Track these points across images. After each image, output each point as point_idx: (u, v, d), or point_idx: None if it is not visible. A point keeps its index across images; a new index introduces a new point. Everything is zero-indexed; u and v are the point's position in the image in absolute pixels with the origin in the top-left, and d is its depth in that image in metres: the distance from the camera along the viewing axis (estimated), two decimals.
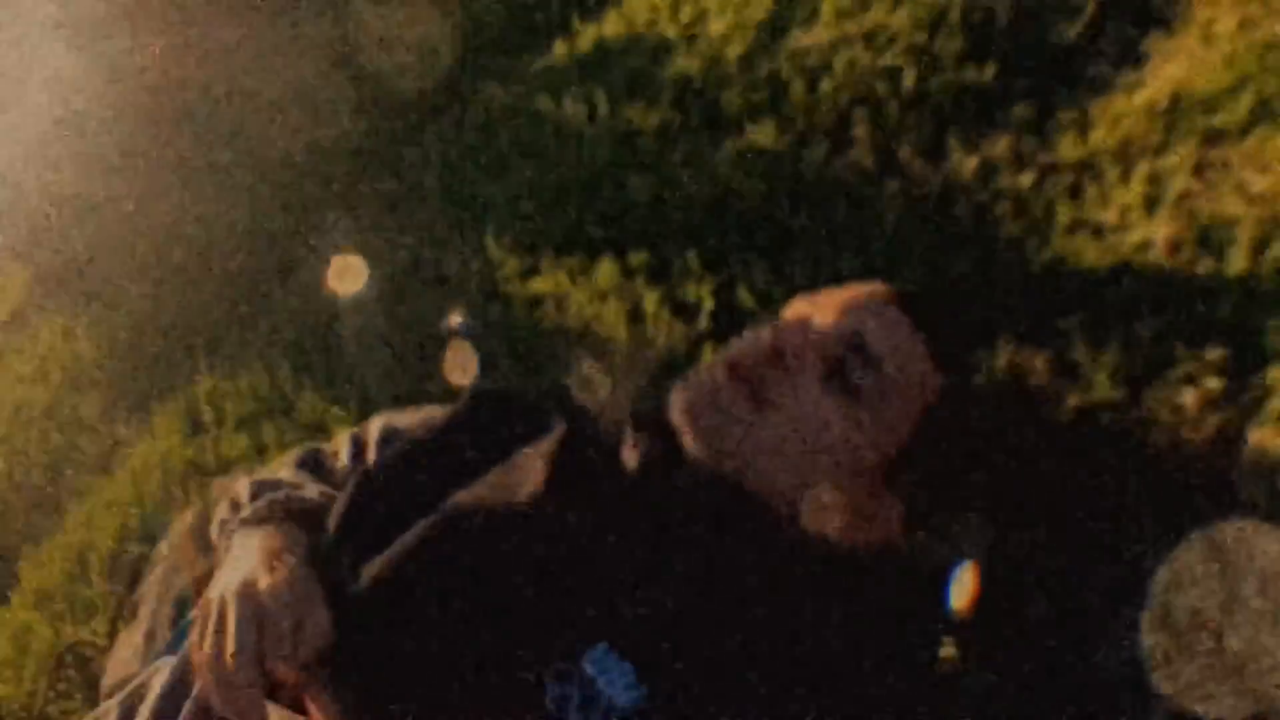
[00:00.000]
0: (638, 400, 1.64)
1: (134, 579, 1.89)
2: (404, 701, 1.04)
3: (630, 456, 1.19)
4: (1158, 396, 1.33)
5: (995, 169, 1.71)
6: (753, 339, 1.20)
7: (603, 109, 2.37)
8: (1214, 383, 1.30)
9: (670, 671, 1.04)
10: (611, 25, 2.67)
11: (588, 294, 1.95)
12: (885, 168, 1.83)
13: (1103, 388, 1.36)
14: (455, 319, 1.94)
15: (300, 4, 3.60)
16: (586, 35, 2.71)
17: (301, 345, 2.46)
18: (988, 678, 1.18)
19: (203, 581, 1.32)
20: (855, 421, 1.15)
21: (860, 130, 1.89)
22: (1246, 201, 1.48)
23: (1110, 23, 1.86)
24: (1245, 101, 1.57)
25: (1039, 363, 1.41)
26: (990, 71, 1.84)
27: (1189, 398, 1.30)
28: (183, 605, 1.35)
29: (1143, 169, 1.58)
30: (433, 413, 1.43)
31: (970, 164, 1.73)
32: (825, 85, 1.99)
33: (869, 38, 2.02)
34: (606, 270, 1.95)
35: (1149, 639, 1.15)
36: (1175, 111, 1.63)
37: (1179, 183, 1.54)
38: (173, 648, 1.29)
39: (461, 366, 1.70)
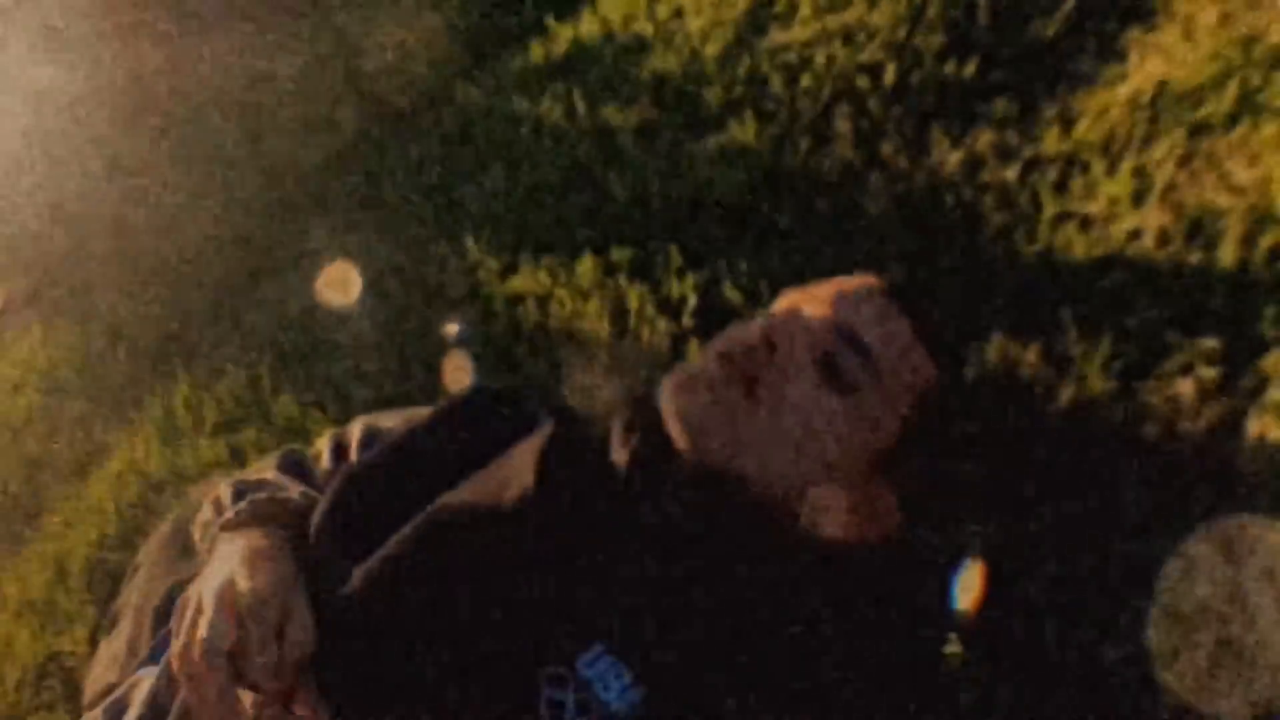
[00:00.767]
0: (625, 397, 1.59)
1: (114, 587, 1.83)
2: (394, 707, 1.00)
3: (620, 453, 1.14)
4: (1154, 387, 1.29)
5: (980, 163, 1.68)
6: (743, 330, 1.15)
7: (581, 108, 2.33)
8: (1210, 372, 1.26)
9: (667, 674, 1.00)
10: (587, 25, 2.63)
11: (570, 292, 1.90)
12: (868, 163, 1.79)
13: (1095, 380, 1.32)
14: (453, 326, 1.89)
15: (276, 13, 3.56)
16: (562, 36, 2.67)
17: (279, 350, 2.41)
18: (992, 676, 1.14)
19: (185, 584, 1.27)
20: (848, 412, 1.10)
21: (842, 125, 1.85)
22: (1234, 192, 1.44)
23: (1089, 18, 1.83)
24: (1230, 94, 1.54)
25: (1031, 355, 1.37)
26: (971, 67, 1.81)
27: (1186, 387, 1.27)
28: (163, 614, 1.30)
29: (1128, 161, 1.55)
30: (416, 414, 1.38)
31: (954, 158, 1.69)
32: (805, 81, 1.95)
33: (848, 35, 1.98)
34: (588, 267, 1.90)
35: (1155, 635, 1.12)
36: (1159, 104, 1.60)
37: (1165, 174, 1.50)
38: (155, 657, 1.24)
39: (460, 373, 1.65)
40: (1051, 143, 1.64)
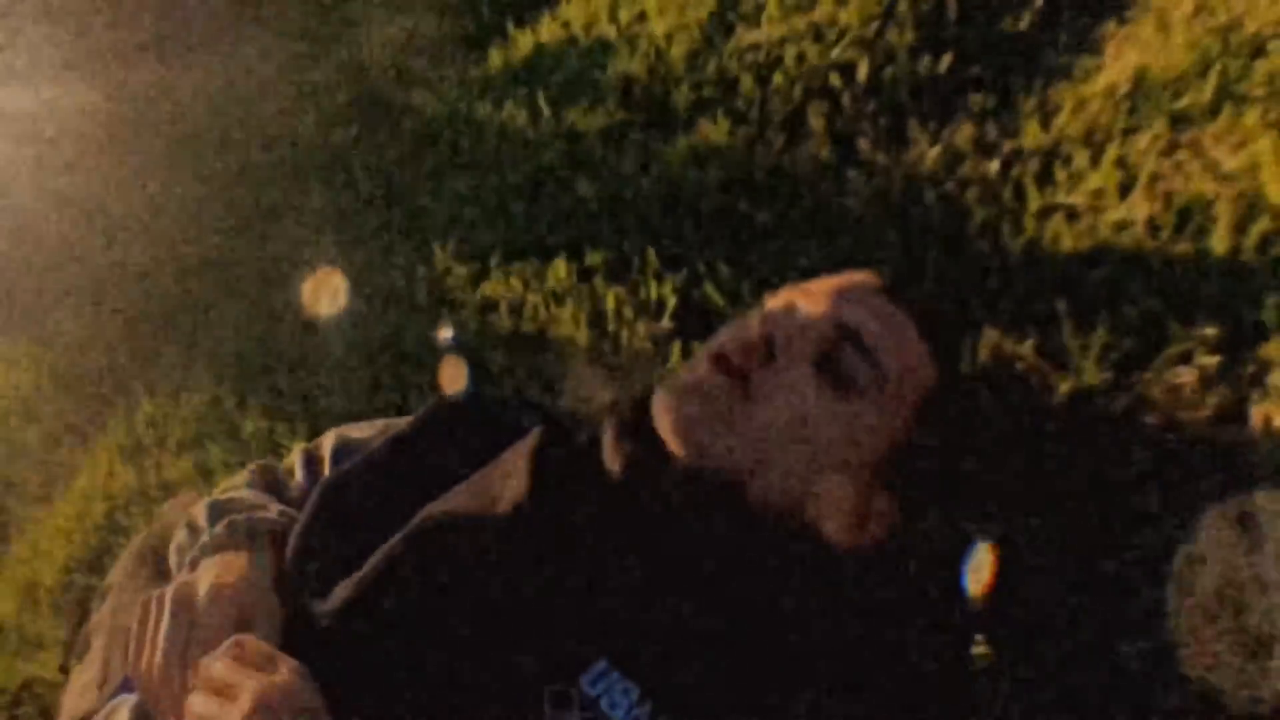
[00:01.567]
0: (615, 400, 1.53)
1: (84, 611, 1.76)
2: None
3: (613, 459, 1.07)
4: (1154, 377, 1.24)
5: (960, 157, 1.63)
6: (739, 329, 1.09)
7: (545, 112, 2.27)
8: (1210, 360, 1.22)
9: (677, 688, 0.93)
10: (548, 30, 2.57)
11: (544, 297, 1.83)
12: (845, 160, 1.74)
13: (1093, 372, 1.27)
14: (445, 331, 1.82)
15: (228, 30, 3.50)
16: (523, 41, 2.61)
17: (244, 364, 2.33)
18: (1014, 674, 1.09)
19: None
20: (850, 414, 1.04)
21: (816, 123, 1.80)
22: (1221, 180, 1.40)
23: (1061, 11, 1.79)
24: (1210, 83, 1.50)
25: (1026, 350, 1.32)
26: (946, 62, 1.76)
27: (1187, 376, 1.22)
28: None
29: (1111, 152, 1.50)
30: (391, 424, 1.31)
31: (934, 153, 1.65)
32: (777, 80, 1.90)
33: (818, 33, 1.93)
34: (561, 271, 1.84)
35: (1173, 618, 1.07)
36: (1138, 95, 1.56)
37: (1150, 165, 1.46)
38: (130, 685, 1.16)
39: (456, 377, 1.58)
40: (1032, 136, 1.59)
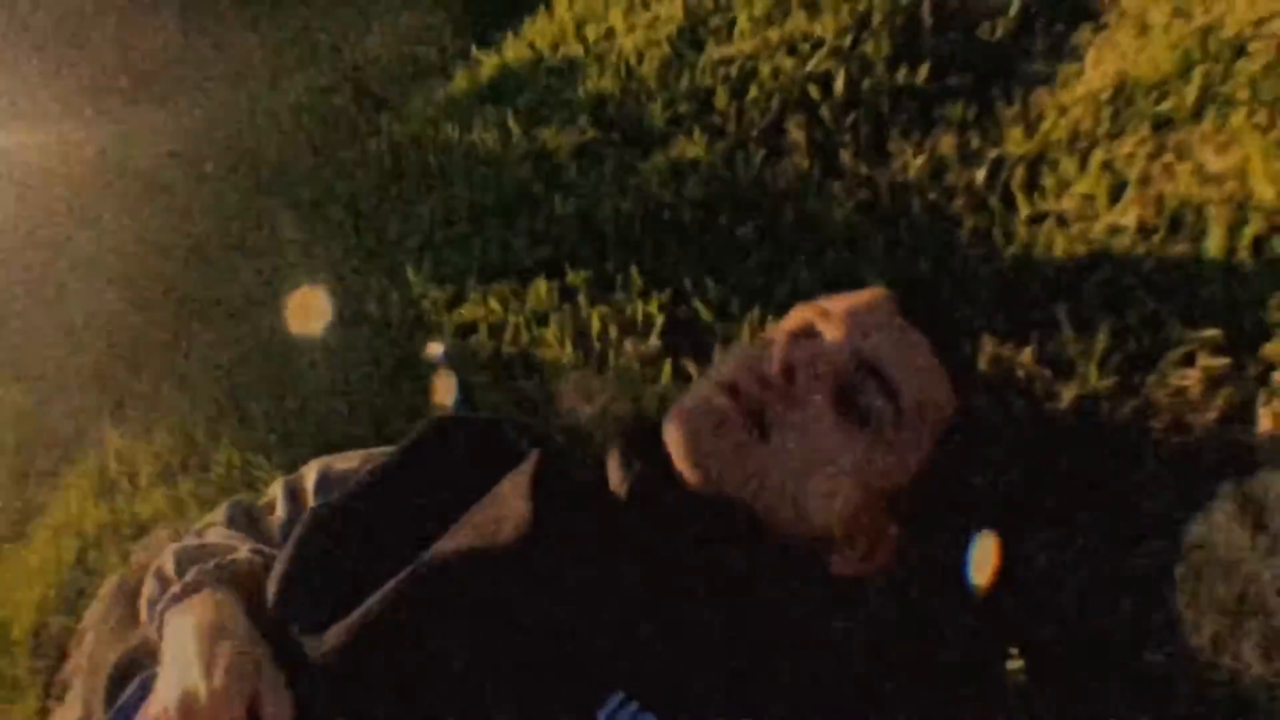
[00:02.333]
0: (618, 423, 1.47)
1: (60, 652, 1.68)
2: None
3: (619, 478, 1.02)
4: (1158, 380, 1.21)
5: (944, 166, 1.59)
6: (753, 357, 1.04)
7: (515, 132, 2.22)
8: (1215, 361, 1.18)
9: (695, 718, 0.87)
10: (514, 51, 2.52)
11: (526, 318, 1.78)
12: (827, 172, 1.70)
13: (1094, 377, 1.23)
14: (435, 348, 1.75)
15: (199, 64, 3.46)
16: (488, 63, 2.56)
17: (214, 397, 2.26)
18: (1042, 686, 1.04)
19: (137, 650, 1.13)
20: (868, 450, 1.00)
21: (796, 135, 1.76)
22: (1211, 182, 1.37)
23: (1036, 19, 1.77)
24: (1193, 85, 1.47)
25: (1026, 357, 1.28)
26: (924, 72, 1.73)
27: (1192, 379, 1.18)
28: (116, 683, 1.16)
29: (1098, 157, 1.47)
30: (374, 454, 1.25)
31: (918, 163, 1.61)
32: (753, 93, 1.86)
33: (792, 45, 1.89)
34: (541, 291, 1.78)
35: (1182, 596, 1.03)
36: (1121, 99, 1.53)
37: (1138, 168, 1.43)
38: None
39: (448, 395, 1.52)
40: (1016, 143, 1.56)
